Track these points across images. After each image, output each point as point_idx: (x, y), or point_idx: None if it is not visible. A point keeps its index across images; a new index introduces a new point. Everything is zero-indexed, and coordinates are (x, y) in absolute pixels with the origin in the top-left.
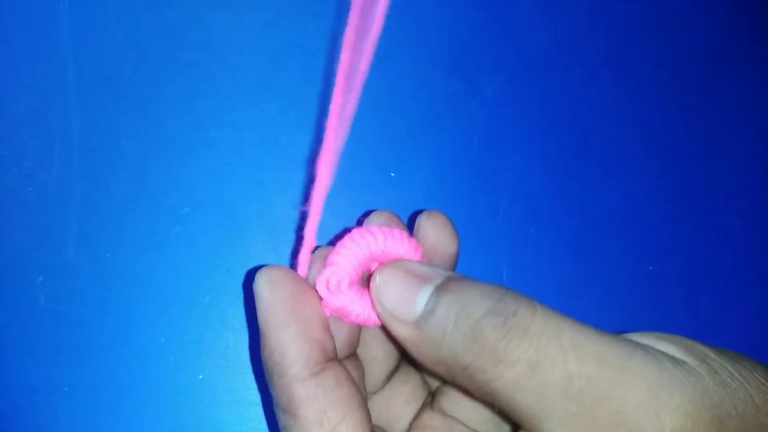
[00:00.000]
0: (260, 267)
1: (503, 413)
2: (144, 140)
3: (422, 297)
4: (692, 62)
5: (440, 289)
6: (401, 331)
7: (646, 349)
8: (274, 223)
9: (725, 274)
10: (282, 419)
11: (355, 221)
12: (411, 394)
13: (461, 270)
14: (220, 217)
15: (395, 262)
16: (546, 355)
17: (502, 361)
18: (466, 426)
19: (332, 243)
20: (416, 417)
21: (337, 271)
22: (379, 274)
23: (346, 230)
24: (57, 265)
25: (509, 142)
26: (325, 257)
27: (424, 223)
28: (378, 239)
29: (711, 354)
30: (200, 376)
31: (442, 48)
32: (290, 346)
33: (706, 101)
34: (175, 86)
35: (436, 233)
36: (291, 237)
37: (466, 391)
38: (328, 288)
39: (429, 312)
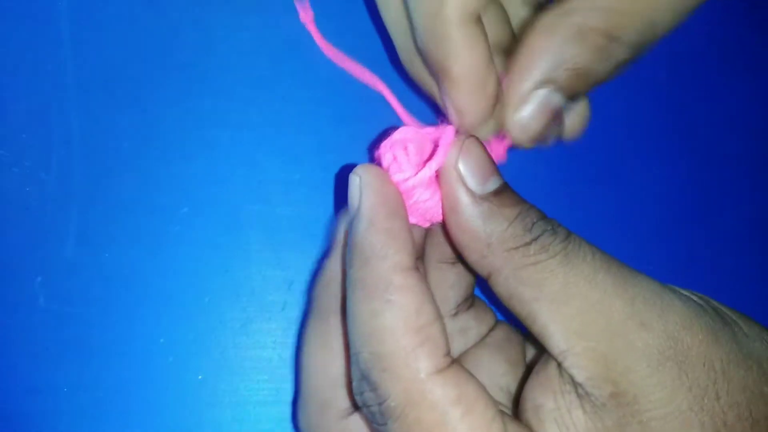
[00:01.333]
0: (260, 266)
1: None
2: (143, 140)
3: (495, 181)
4: (692, 62)
5: (508, 186)
6: (463, 197)
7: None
8: (274, 223)
9: (725, 273)
10: (368, 304)
11: None
12: (472, 333)
13: None
14: (219, 217)
15: (475, 138)
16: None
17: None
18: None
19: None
20: (465, 352)
21: (403, 139)
22: (466, 139)
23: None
24: (56, 265)
25: None
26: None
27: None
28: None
29: (721, 306)
30: (200, 377)
31: None
32: (400, 234)
33: (705, 101)
34: (175, 86)
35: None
36: (291, 237)
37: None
38: (397, 159)
39: (497, 192)
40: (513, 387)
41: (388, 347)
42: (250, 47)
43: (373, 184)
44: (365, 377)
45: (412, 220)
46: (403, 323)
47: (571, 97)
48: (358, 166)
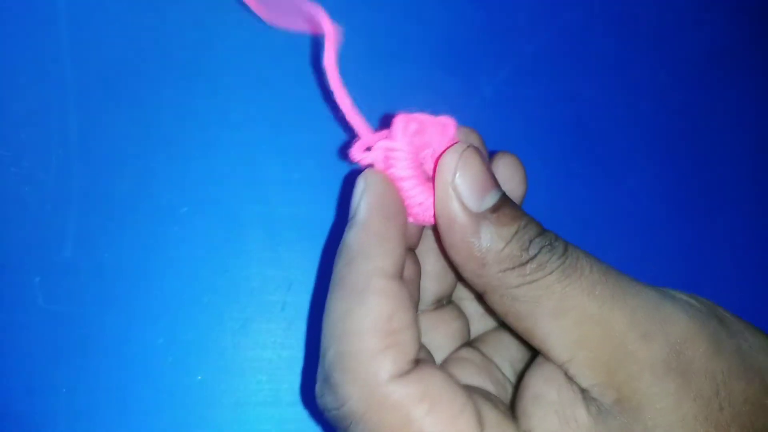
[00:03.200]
0: (259, 266)
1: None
2: (142, 140)
3: (493, 195)
4: (692, 62)
5: (507, 199)
6: (459, 214)
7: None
8: (274, 223)
9: (725, 273)
10: (344, 303)
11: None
12: (454, 330)
13: None
14: (219, 216)
15: (475, 149)
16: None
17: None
18: (501, 371)
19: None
20: (454, 351)
21: (399, 139)
22: (464, 150)
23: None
24: (55, 266)
25: (509, 142)
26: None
27: (496, 161)
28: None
29: (726, 314)
30: (199, 377)
31: (442, 48)
32: (390, 240)
33: (706, 101)
34: (174, 85)
35: (507, 172)
36: (290, 236)
37: (479, 295)
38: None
39: (495, 207)
40: None
41: (354, 347)
42: (250, 47)
43: (375, 188)
44: (326, 378)
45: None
46: (372, 325)
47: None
48: (366, 170)
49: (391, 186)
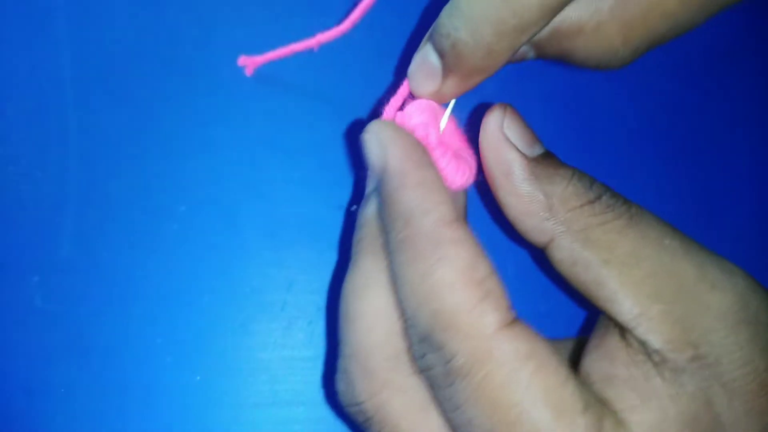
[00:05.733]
0: (259, 266)
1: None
2: (141, 138)
3: (540, 146)
4: (693, 61)
5: (551, 153)
6: (516, 161)
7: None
8: (273, 222)
9: None
10: (420, 265)
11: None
12: None
13: None
14: (218, 215)
15: (513, 108)
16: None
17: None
18: None
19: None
20: None
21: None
22: (506, 107)
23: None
24: (53, 265)
25: None
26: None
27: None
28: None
29: None
30: (198, 377)
31: None
32: (435, 185)
33: (707, 100)
34: (172, 83)
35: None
36: (291, 236)
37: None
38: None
39: (545, 155)
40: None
41: (449, 304)
42: (249, 44)
43: (395, 139)
44: (426, 338)
45: None
46: (461, 278)
47: None
48: (371, 123)
49: (405, 132)
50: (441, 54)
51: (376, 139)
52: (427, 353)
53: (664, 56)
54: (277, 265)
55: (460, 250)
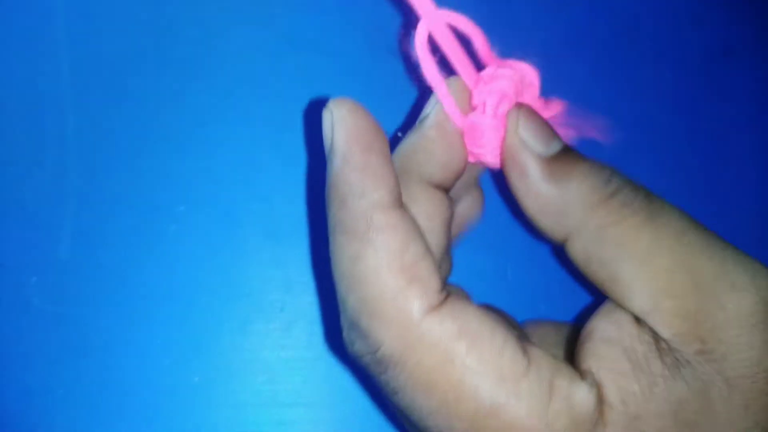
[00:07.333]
0: (258, 266)
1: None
2: (140, 137)
3: (558, 141)
4: (695, 59)
5: (571, 148)
6: (530, 162)
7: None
8: (273, 222)
9: None
10: (350, 246)
11: None
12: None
13: (465, 268)
14: (217, 215)
15: (528, 105)
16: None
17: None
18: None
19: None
20: None
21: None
22: (520, 107)
23: None
24: (51, 265)
25: None
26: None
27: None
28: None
29: None
30: (197, 378)
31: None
32: (377, 169)
33: (709, 99)
34: (172, 82)
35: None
36: (289, 235)
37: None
38: (493, 108)
39: (563, 152)
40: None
41: (374, 290)
42: (248, 43)
43: (346, 119)
44: (354, 325)
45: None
46: (386, 263)
47: None
48: (330, 101)
49: (361, 113)
50: None
51: (329, 117)
52: (356, 341)
53: (666, 53)
54: (276, 265)
55: (389, 234)
